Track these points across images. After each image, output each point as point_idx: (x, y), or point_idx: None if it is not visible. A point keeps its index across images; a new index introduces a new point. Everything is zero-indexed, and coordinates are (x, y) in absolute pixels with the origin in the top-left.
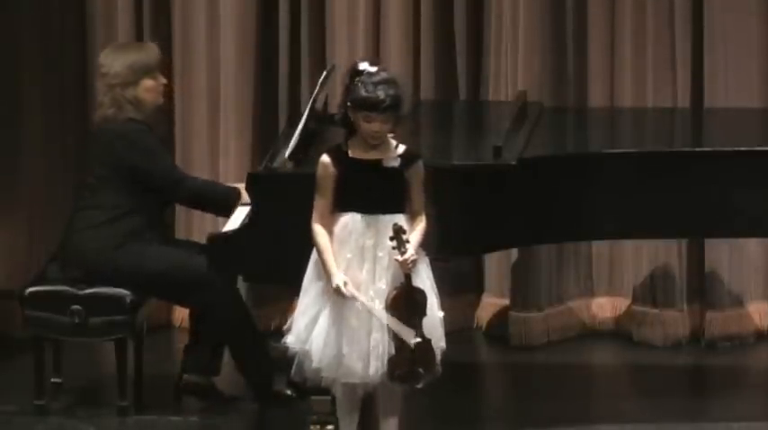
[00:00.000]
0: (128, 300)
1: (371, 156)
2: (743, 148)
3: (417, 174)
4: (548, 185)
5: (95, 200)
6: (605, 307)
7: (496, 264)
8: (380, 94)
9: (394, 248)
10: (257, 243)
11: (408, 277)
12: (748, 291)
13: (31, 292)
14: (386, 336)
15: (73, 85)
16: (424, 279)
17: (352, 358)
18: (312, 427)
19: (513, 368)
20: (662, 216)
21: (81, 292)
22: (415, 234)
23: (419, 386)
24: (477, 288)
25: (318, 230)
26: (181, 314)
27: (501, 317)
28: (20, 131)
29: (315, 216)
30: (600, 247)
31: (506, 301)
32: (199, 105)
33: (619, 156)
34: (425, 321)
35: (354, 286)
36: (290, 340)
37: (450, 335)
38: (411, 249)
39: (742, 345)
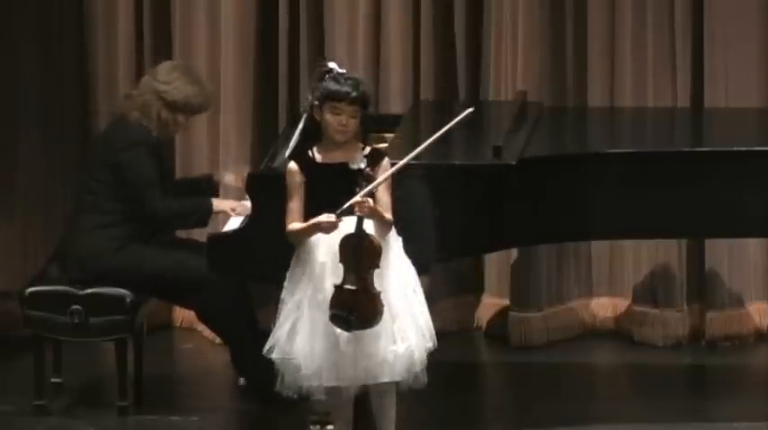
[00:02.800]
0: (128, 300)
1: (337, 158)
2: (743, 148)
3: (384, 172)
4: (547, 185)
5: (97, 202)
6: (605, 307)
7: (496, 264)
8: (348, 84)
9: (358, 189)
10: (257, 243)
11: (360, 221)
12: (748, 291)
13: (31, 292)
14: (358, 342)
15: (72, 86)
16: (398, 265)
17: (331, 362)
18: (312, 427)
19: (512, 368)
20: (662, 216)
21: (81, 292)
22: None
23: (348, 332)
24: (477, 288)
25: (292, 225)
26: (181, 314)
27: (501, 317)
28: (17, 132)
29: (288, 222)
30: (600, 247)
31: (506, 301)
32: None
33: (619, 156)
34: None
35: (329, 290)
36: (271, 352)
37: (450, 335)
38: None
39: (742, 345)
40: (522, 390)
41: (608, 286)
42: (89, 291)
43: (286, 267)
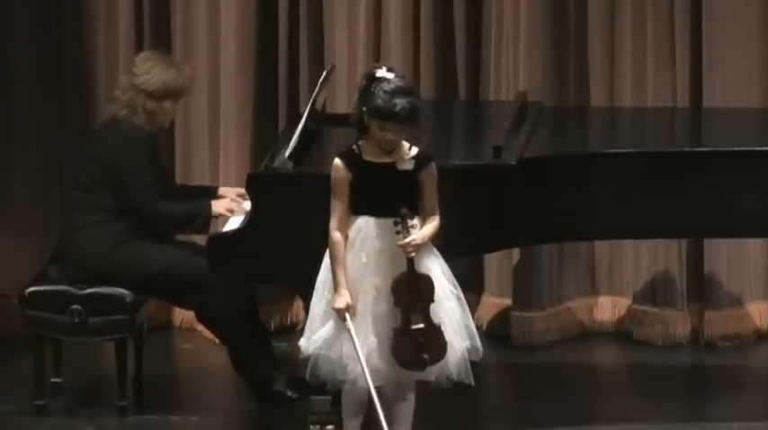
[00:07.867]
0: (128, 300)
1: (385, 158)
2: (743, 148)
3: (430, 176)
4: (548, 185)
5: (92, 199)
6: (605, 307)
7: (497, 264)
8: (396, 104)
9: (398, 233)
10: (257, 243)
11: (411, 261)
12: (748, 290)
13: (31, 292)
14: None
15: (70, 87)
16: (438, 275)
17: (376, 360)
18: (312, 427)
19: (514, 368)
20: (662, 216)
21: (81, 292)
22: (426, 226)
23: (424, 371)
24: (478, 288)
25: (336, 239)
26: (181, 314)
27: (502, 316)
28: (12, 132)
29: (333, 220)
30: (600, 247)
31: (507, 301)
32: (199, 105)
33: (619, 156)
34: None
35: (371, 291)
36: (305, 344)
37: None
38: (415, 234)
39: (741, 345)
40: (523, 390)
41: (608, 286)
42: (89, 290)
43: (286, 267)
